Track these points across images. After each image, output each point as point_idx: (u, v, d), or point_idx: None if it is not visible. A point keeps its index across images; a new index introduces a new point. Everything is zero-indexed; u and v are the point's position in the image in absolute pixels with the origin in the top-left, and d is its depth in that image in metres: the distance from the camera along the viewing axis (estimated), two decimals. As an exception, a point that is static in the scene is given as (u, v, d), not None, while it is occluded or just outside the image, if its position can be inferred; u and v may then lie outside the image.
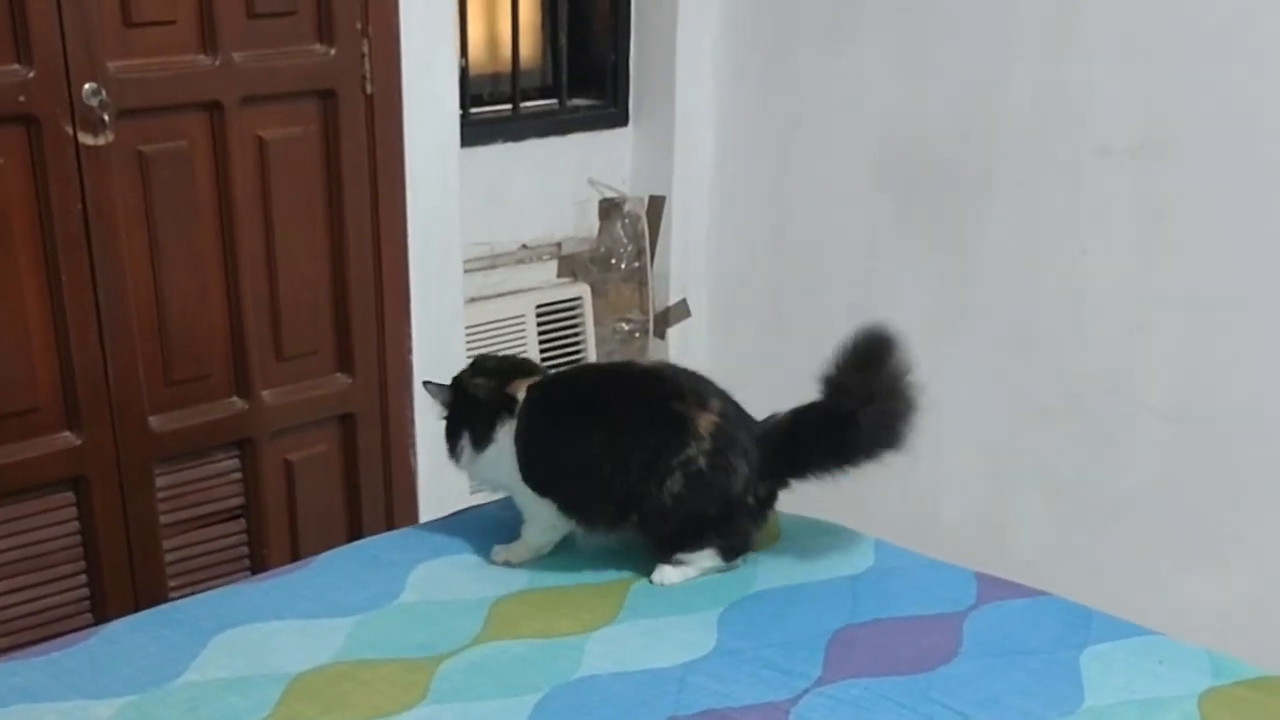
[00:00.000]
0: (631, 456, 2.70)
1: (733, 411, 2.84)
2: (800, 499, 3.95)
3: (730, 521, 2.78)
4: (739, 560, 2.82)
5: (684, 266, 4.54)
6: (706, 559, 2.77)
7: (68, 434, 3.12)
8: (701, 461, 2.70)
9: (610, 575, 2.79)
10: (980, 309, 3.87)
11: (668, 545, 2.75)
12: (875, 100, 4.01)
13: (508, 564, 2.77)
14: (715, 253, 4.55)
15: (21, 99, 2.89)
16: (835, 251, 4.20)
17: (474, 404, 2.79)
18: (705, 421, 2.73)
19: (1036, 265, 3.73)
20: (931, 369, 3.98)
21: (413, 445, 3.72)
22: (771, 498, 2.89)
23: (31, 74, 2.89)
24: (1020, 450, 3.87)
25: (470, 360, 2.88)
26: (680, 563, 2.75)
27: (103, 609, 3.21)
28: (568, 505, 2.76)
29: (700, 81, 4.41)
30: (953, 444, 4.02)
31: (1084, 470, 3.74)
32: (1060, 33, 3.57)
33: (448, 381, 2.83)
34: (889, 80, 3.96)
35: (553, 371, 2.90)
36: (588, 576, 2.78)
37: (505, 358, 2.94)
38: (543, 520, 2.79)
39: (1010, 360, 3.84)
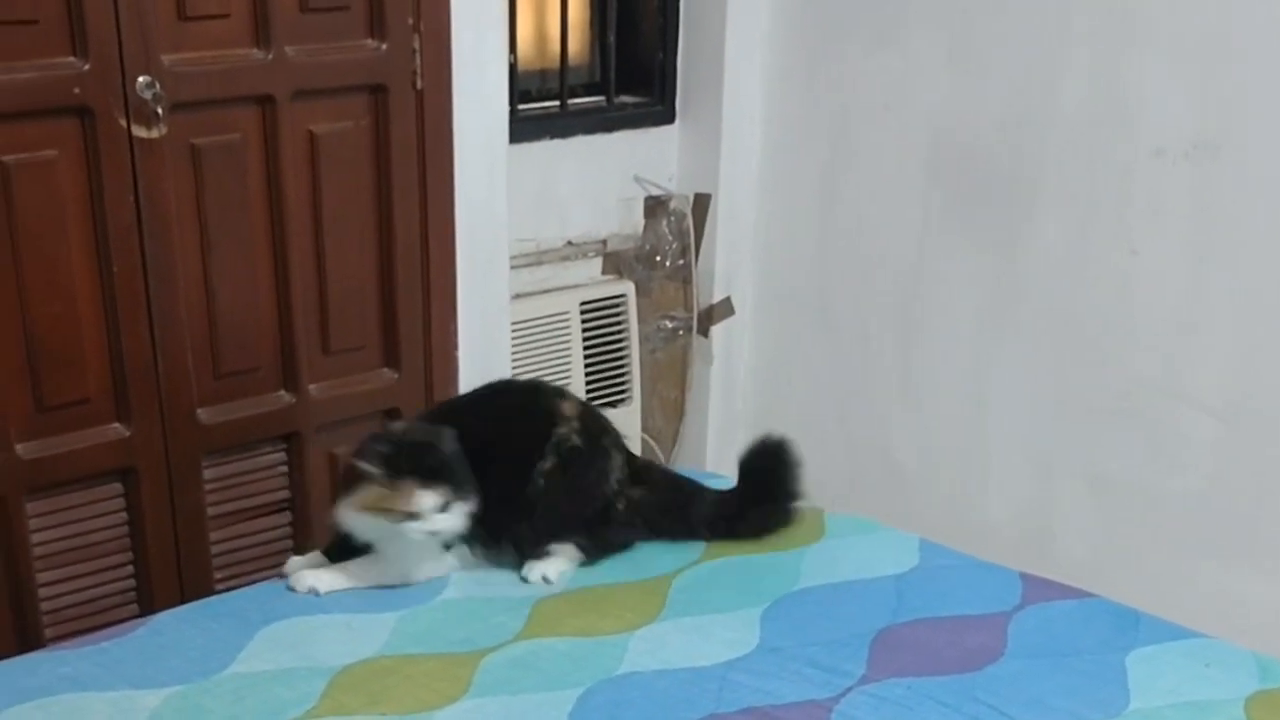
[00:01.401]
0: (514, 465, 2.75)
1: (592, 408, 2.97)
2: (843, 497, 3.96)
3: (600, 518, 2.83)
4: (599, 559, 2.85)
5: (729, 265, 4.54)
6: (570, 552, 2.80)
7: (117, 425, 3.14)
8: (575, 439, 2.77)
9: (652, 572, 2.80)
10: (1029, 308, 3.86)
11: (539, 535, 2.76)
12: (925, 98, 3.99)
13: (314, 591, 2.67)
14: (761, 251, 4.55)
15: (76, 91, 2.90)
16: (883, 250, 4.19)
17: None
18: (568, 406, 2.83)
19: (1087, 265, 3.71)
20: (979, 367, 4.01)
21: (459, 441, 3.72)
22: (635, 507, 2.89)
23: (86, 66, 2.90)
24: (1068, 450, 3.86)
25: (379, 435, 2.73)
26: (547, 554, 2.78)
27: (149, 600, 3.23)
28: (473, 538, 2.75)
29: (748, 80, 4.41)
30: (1000, 443, 4.01)
31: (1132, 470, 3.72)
32: (1115, 32, 3.55)
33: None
34: (939, 78, 3.95)
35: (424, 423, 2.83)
36: (629, 574, 2.80)
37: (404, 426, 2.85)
38: (432, 566, 2.73)
39: (1059, 359, 3.82)
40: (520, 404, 2.90)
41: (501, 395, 2.98)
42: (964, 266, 3.99)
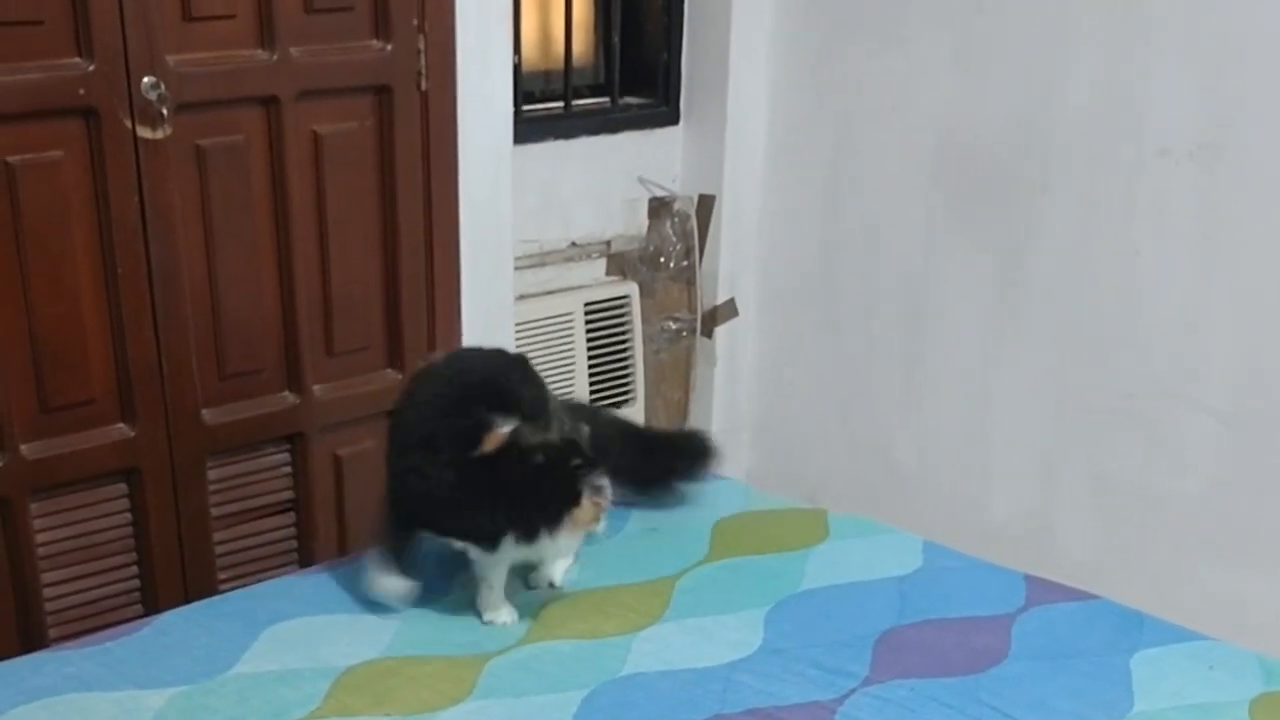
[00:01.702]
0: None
1: None
2: (846, 498, 3.97)
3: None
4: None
5: (733, 266, 4.54)
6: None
7: (121, 426, 3.14)
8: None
9: (656, 574, 2.80)
10: (1034, 308, 3.86)
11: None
12: (930, 99, 3.99)
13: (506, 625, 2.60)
14: (765, 252, 4.55)
15: (81, 91, 2.90)
16: (887, 252, 4.19)
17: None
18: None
19: (1090, 265, 3.71)
20: (983, 368, 4.01)
21: (463, 442, 3.72)
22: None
23: (92, 67, 2.90)
24: (1072, 450, 3.86)
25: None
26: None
27: (153, 600, 3.23)
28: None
29: (752, 81, 4.41)
30: (1003, 443, 4.01)
31: (1136, 471, 3.72)
32: (1120, 32, 3.55)
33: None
34: (945, 79, 3.95)
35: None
36: (633, 576, 2.79)
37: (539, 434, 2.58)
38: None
39: (1063, 360, 3.82)
40: (519, 374, 2.73)
41: (502, 365, 2.78)
42: (968, 267, 3.99)
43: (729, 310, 4.56)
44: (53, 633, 3.12)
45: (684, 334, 4.58)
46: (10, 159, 2.87)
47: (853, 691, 2.37)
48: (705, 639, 2.54)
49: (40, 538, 3.08)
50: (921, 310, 4.13)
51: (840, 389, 4.41)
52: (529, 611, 2.63)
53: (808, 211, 4.39)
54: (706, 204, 4.47)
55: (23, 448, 3.00)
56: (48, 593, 3.11)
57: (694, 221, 4.48)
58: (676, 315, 4.57)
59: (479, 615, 2.61)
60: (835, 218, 4.32)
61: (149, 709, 2.26)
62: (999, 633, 2.58)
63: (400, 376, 3.55)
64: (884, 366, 4.26)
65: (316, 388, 3.43)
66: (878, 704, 2.33)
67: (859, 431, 4.38)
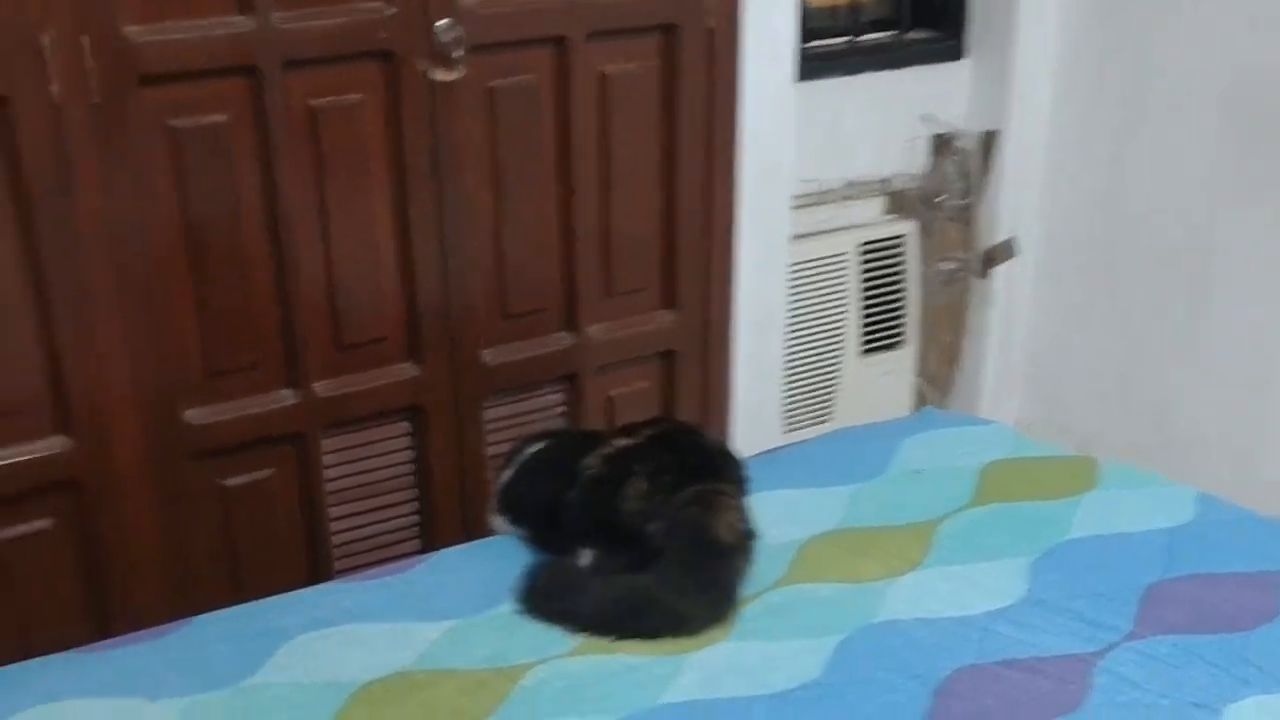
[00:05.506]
0: None
1: None
2: (1118, 446, 3.87)
3: None
4: None
5: (1014, 204, 4.43)
6: None
7: (408, 365, 3.25)
8: None
9: (918, 517, 2.79)
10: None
11: None
12: (1226, 48, 3.83)
13: None
14: (1048, 192, 4.45)
15: (381, 35, 2.99)
16: (1176, 200, 4.05)
17: None
18: None
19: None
20: (1272, 325, 3.85)
21: (732, 383, 3.77)
22: None
23: (392, 10, 2.98)
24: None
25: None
26: None
27: (430, 536, 3.34)
28: None
29: (1043, 16, 4.29)
30: (1282, 401, 3.87)
31: None
32: None
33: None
34: (1241, 28, 3.79)
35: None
36: (896, 518, 2.78)
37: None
38: None
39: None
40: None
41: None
42: (1259, 222, 3.83)
43: (1007, 250, 4.46)
44: (338, 564, 3.26)
45: (960, 275, 4.51)
46: (313, 102, 2.98)
47: (1115, 645, 2.34)
48: (966, 586, 2.53)
49: (329, 473, 3.22)
50: (1208, 263, 3.98)
51: (1119, 339, 4.30)
52: (788, 554, 2.64)
53: (1094, 153, 4.28)
54: (990, 140, 4.40)
55: (315, 385, 3.13)
56: (334, 526, 3.26)
57: (976, 159, 4.41)
58: (953, 255, 4.50)
59: None
60: (1122, 160, 4.20)
61: (423, 640, 2.36)
62: (1271, 590, 2.51)
63: (674, 317, 3.59)
64: (1166, 319, 4.12)
65: (593, 328, 3.49)
66: (1140, 659, 2.30)
67: (1135, 385, 4.25)
